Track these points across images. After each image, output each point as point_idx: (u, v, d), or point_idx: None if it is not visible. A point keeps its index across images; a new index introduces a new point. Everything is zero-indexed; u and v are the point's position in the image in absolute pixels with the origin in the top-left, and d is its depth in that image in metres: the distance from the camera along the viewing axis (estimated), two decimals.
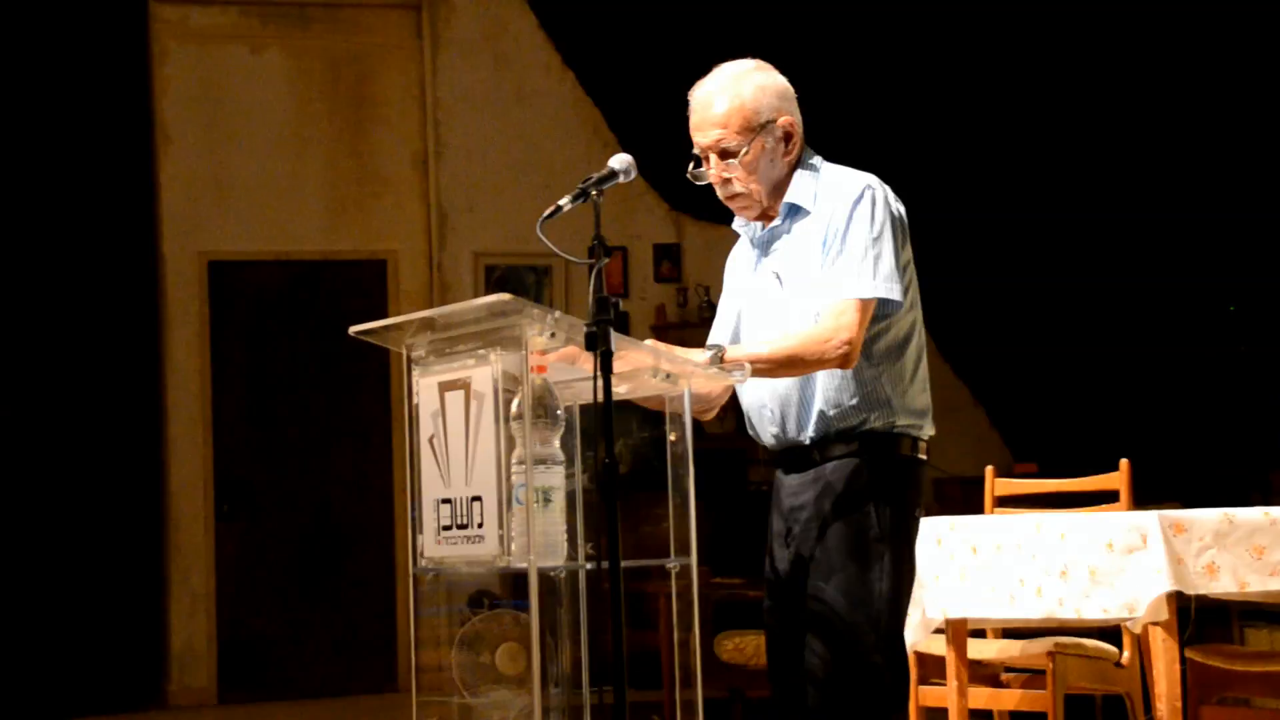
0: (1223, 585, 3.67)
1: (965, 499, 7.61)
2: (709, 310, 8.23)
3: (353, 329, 3.02)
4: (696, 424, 3.01)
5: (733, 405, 3.40)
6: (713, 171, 3.23)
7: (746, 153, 3.20)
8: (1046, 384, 9.21)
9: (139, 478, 8.55)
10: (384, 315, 3.04)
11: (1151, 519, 3.69)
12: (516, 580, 2.72)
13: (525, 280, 8.96)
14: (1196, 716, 4.28)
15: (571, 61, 9.06)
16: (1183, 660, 3.97)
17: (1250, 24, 8.28)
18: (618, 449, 2.72)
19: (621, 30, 8.89)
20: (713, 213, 3.40)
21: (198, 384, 8.62)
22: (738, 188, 3.23)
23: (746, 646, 6.31)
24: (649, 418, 3.06)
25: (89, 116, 8.49)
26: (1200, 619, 5.28)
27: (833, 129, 3.74)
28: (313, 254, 8.85)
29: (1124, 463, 4.66)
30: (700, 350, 3.08)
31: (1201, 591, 3.69)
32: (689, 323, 8.95)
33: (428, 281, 8.94)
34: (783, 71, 3.31)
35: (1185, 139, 8.77)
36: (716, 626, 6.63)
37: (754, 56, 3.32)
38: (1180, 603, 3.83)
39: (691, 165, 3.28)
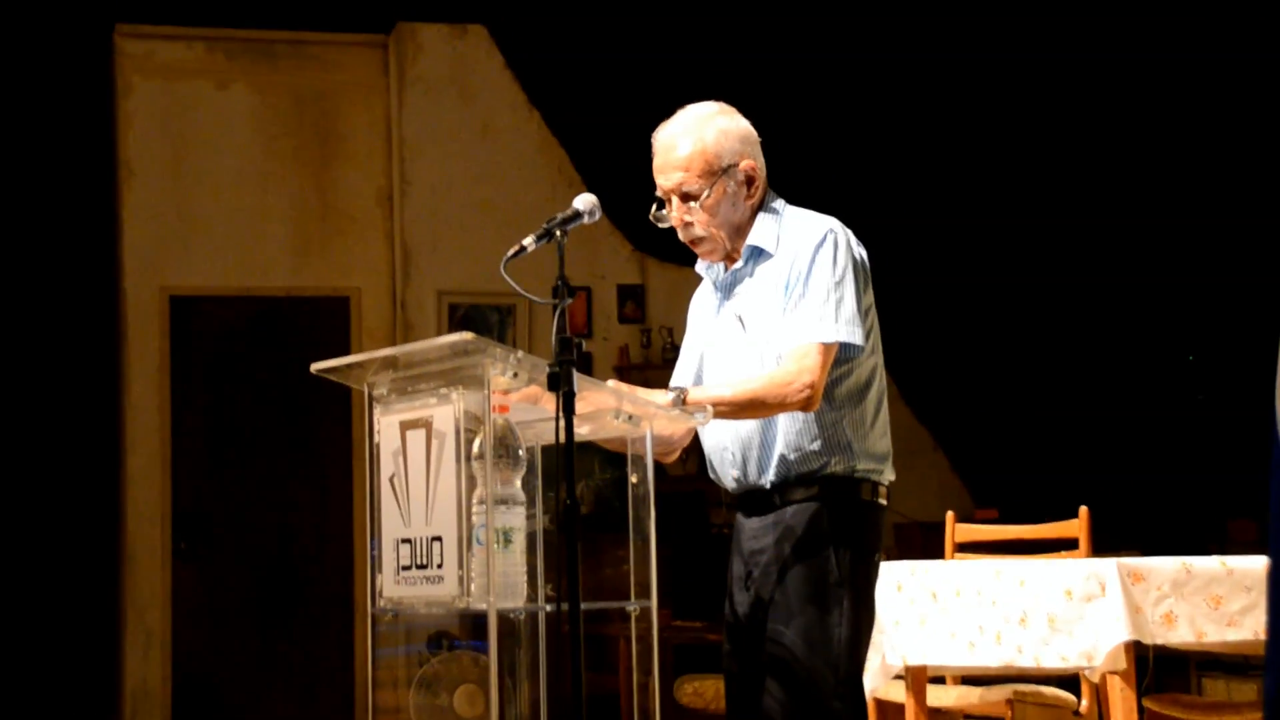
0: (1180, 635, 3.68)
1: (926, 544, 7.62)
2: (672, 352, 8.24)
3: (314, 366, 3.00)
4: (658, 466, 3.00)
5: (695, 447, 3.40)
6: (674, 214, 3.25)
7: (708, 196, 3.21)
8: (1008, 430, 9.25)
9: (96, 513, 8.47)
10: (346, 352, 3.02)
11: (1110, 567, 3.70)
12: (476, 621, 2.71)
13: (489, 319, 8.95)
14: None
15: (537, 101, 9.08)
16: (1140, 709, 3.97)
17: (1201, 92, 8.38)
18: (580, 490, 2.71)
19: (587, 71, 8.93)
20: (677, 254, 3.41)
21: (157, 419, 8.56)
22: (699, 231, 3.24)
23: (706, 690, 6.28)
24: (611, 459, 3.06)
25: (51, 149, 8.45)
26: (1159, 668, 5.29)
27: (796, 173, 3.76)
28: (276, 290, 8.81)
29: (1083, 510, 4.68)
30: (663, 392, 3.08)
31: (1159, 641, 3.70)
32: (652, 364, 8.95)
33: (391, 319, 8.91)
34: (747, 115, 3.33)
35: (1141, 194, 8.85)
36: (676, 670, 6.60)
37: (719, 99, 3.34)
38: (1139, 652, 3.83)
39: (654, 207, 3.29)
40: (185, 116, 8.72)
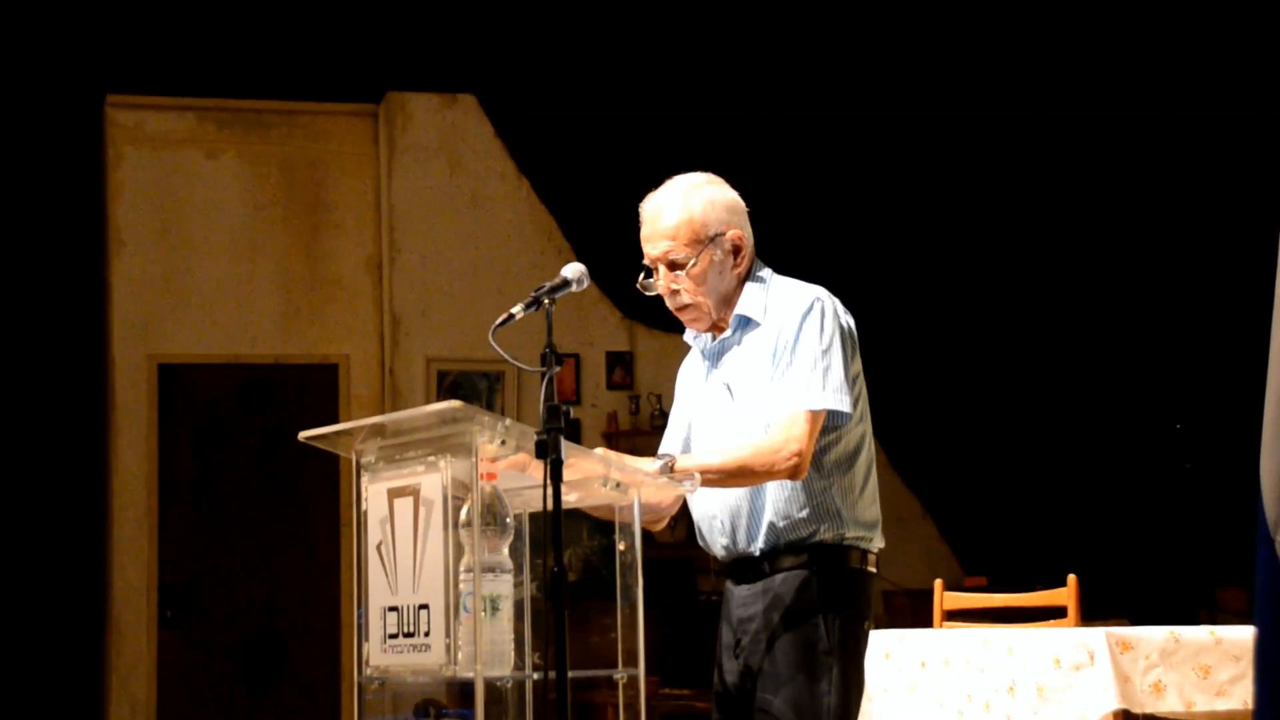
0: (1169, 704, 3.66)
1: (914, 611, 7.60)
2: (661, 418, 8.24)
3: (302, 434, 3.01)
4: (645, 533, 3.00)
5: (683, 514, 3.40)
6: (661, 283, 3.27)
7: (694, 265, 3.23)
8: (997, 498, 9.25)
9: (81, 581, 8.42)
10: (335, 420, 3.03)
11: (1099, 636, 3.69)
12: (463, 689, 2.70)
13: (478, 386, 8.95)
14: None
15: (527, 169, 9.13)
16: None
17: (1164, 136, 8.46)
18: (567, 557, 2.71)
19: (577, 140, 8.99)
20: (665, 322, 3.42)
21: (144, 487, 8.53)
22: (686, 299, 3.26)
23: None
24: (598, 526, 3.06)
25: (42, 218, 8.48)
26: None
27: (784, 237, 3.79)
28: (264, 357, 8.81)
29: (1072, 578, 4.67)
30: (651, 459, 3.09)
31: (1148, 710, 3.68)
32: (641, 430, 8.95)
33: (380, 387, 8.92)
34: (736, 181, 3.36)
35: (1130, 265, 8.91)
36: None
37: (707, 168, 3.37)
38: None
39: (642, 276, 3.31)
40: (175, 186, 8.76)
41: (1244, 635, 3.74)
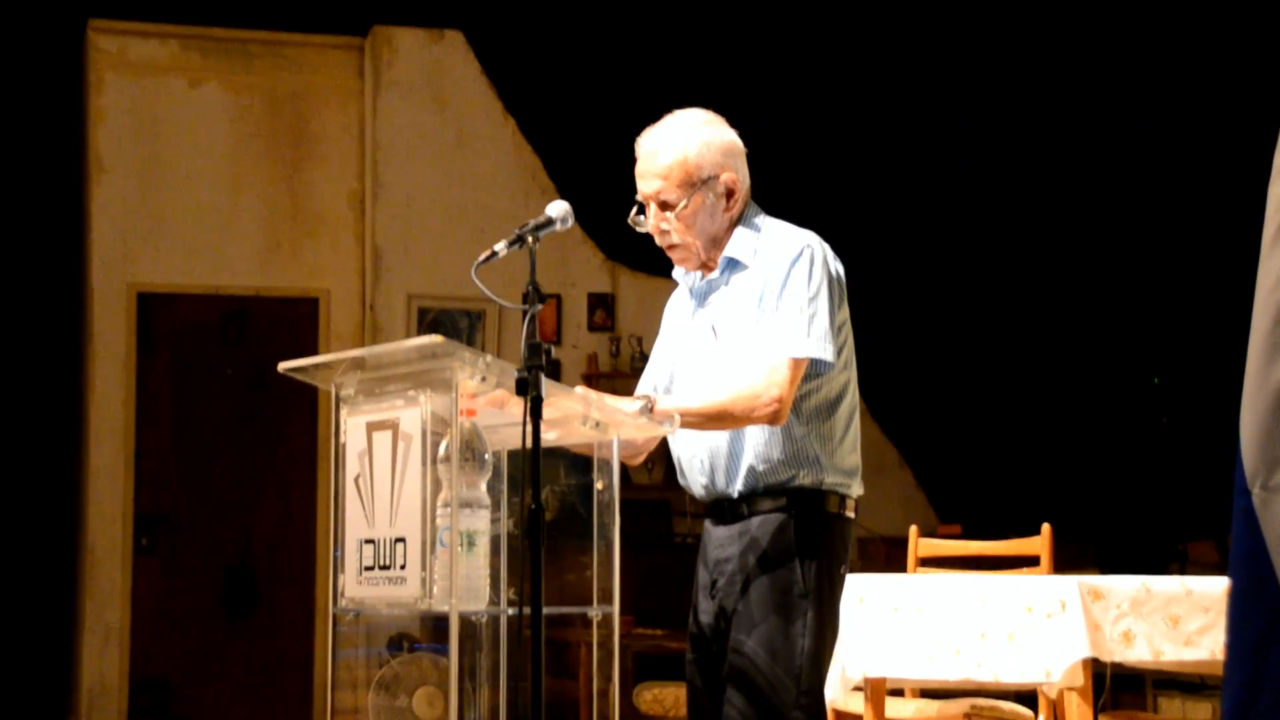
0: (1138, 653, 3.69)
1: (889, 558, 7.65)
2: (641, 361, 8.25)
3: (282, 366, 3.00)
4: (623, 472, 3.01)
5: (661, 456, 3.41)
6: (651, 221, 3.25)
7: (685, 206, 3.21)
8: (974, 448, 9.29)
9: (56, 509, 8.42)
10: (314, 353, 3.01)
11: (1071, 585, 3.71)
12: (437, 624, 2.71)
13: (458, 324, 8.94)
14: None
15: (512, 108, 9.08)
16: None
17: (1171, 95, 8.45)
18: (545, 495, 2.71)
19: (563, 78, 8.94)
20: (648, 264, 3.42)
21: (121, 416, 8.51)
22: (675, 239, 3.25)
23: (666, 698, 6.29)
24: (576, 465, 3.06)
25: (21, 143, 8.41)
26: (1115, 686, 5.31)
27: (773, 181, 3.77)
28: (245, 289, 8.78)
29: (1046, 528, 4.70)
30: (630, 400, 3.09)
31: (1117, 659, 3.71)
32: (621, 373, 8.96)
33: (360, 322, 8.90)
34: (734, 125, 3.33)
35: (1115, 211, 8.92)
36: (637, 677, 6.60)
37: (696, 107, 3.34)
38: (1096, 669, 3.85)
39: (634, 211, 3.29)
40: (157, 114, 8.69)
41: (1214, 587, 3.77)
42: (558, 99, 9.00)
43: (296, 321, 8.84)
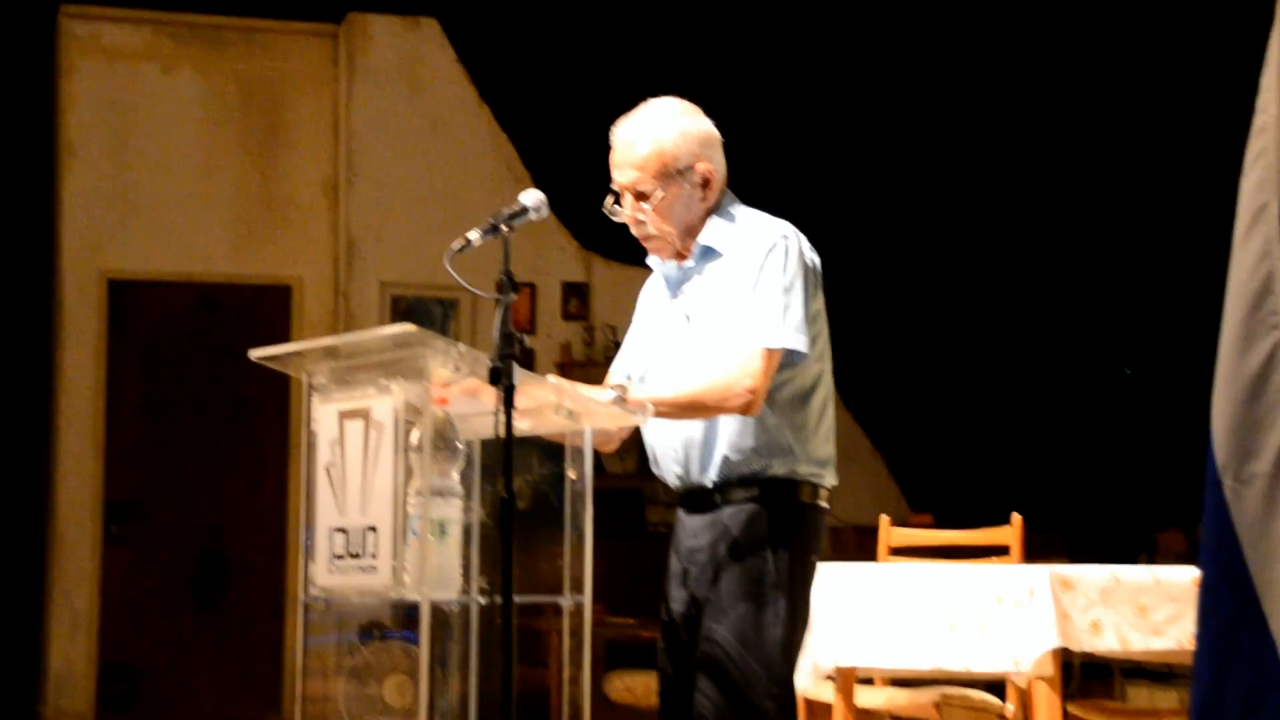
0: (1106, 642, 3.71)
1: (860, 547, 7.65)
2: (615, 350, 8.22)
3: (254, 353, 2.99)
4: (596, 461, 3.01)
5: (634, 445, 3.41)
6: (627, 211, 3.25)
7: (661, 197, 3.21)
8: (945, 437, 9.32)
9: (25, 495, 8.37)
10: (287, 342, 3.01)
11: (1041, 574, 3.73)
12: (408, 612, 2.71)
13: (432, 313, 8.92)
14: None
15: (488, 96, 9.05)
16: (1065, 715, 4.01)
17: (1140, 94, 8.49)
18: (517, 485, 2.71)
19: (539, 68, 8.92)
20: (623, 253, 3.42)
21: (91, 403, 8.47)
22: (650, 229, 3.25)
23: (636, 687, 6.30)
24: (549, 454, 3.06)
25: None
26: (1084, 675, 5.35)
27: (746, 171, 3.77)
28: (217, 277, 8.75)
29: (1016, 517, 4.72)
30: (603, 389, 3.09)
31: (1086, 648, 3.73)
32: (595, 362, 8.95)
33: (333, 310, 8.87)
34: (710, 114, 3.32)
35: (1083, 205, 8.95)
36: (608, 665, 6.61)
37: (673, 97, 3.33)
38: (1065, 658, 3.87)
39: (609, 200, 3.29)
40: (129, 100, 8.64)
41: (1182, 577, 3.79)
42: (533, 87, 8.98)
43: (269, 309, 8.81)
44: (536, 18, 8.81)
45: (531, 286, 9.08)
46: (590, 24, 8.75)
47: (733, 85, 8.57)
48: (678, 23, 8.74)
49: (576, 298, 9.26)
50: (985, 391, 9.33)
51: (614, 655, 6.81)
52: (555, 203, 3.04)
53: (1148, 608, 3.74)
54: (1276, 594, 1.79)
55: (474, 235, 2.86)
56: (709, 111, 3.35)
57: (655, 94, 3.36)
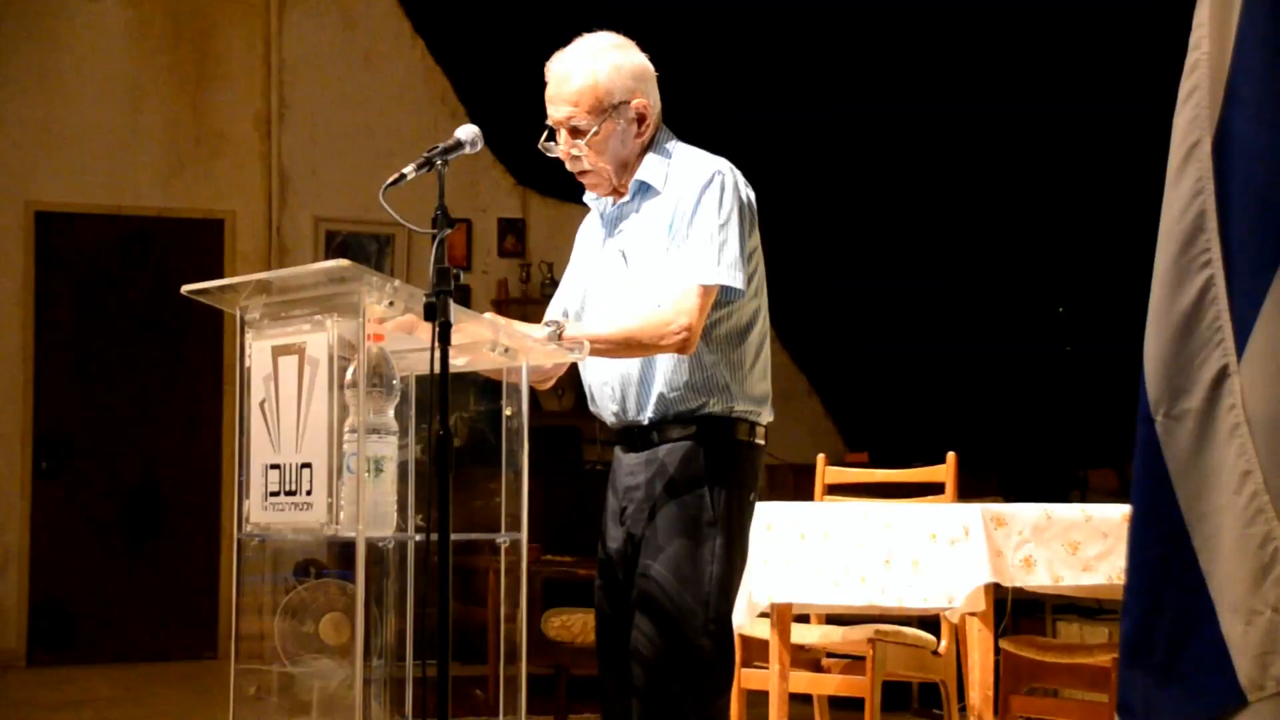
0: (1038, 579, 3.76)
1: (797, 486, 7.72)
2: (552, 287, 8.21)
3: (185, 288, 2.95)
4: (534, 400, 3.00)
5: (571, 383, 3.40)
6: (561, 147, 3.22)
7: (596, 133, 3.18)
8: (881, 377, 9.38)
9: None
10: (219, 276, 2.97)
11: (974, 512, 3.77)
12: (344, 549, 2.69)
13: (367, 248, 8.85)
14: (1007, 706, 4.39)
15: (422, 29, 8.95)
16: (997, 650, 4.06)
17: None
18: (454, 422, 2.69)
19: (474, 1, 8.82)
20: (559, 189, 3.39)
21: (20, 337, 8.36)
22: (585, 165, 3.22)
23: (573, 624, 6.32)
24: (486, 391, 3.05)
25: None
26: (1016, 611, 5.42)
27: (685, 108, 3.75)
28: (147, 210, 8.63)
29: (951, 456, 4.76)
30: (539, 326, 3.07)
31: (1018, 584, 3.78)
32: (531, 299, 8.93)
33: (266, 244, 8.78)
34: (645, 49, 3.29)
35: (1022, 144, 8.98)
36: (545, 604, 6.62)
37: (612, 30, 3.30)
38: (998, 595, 3.92)
39: (544, 136, 3.26)
40: (54, 27, 8.48)
41: (1113, 514, 3.84)
42: (468, 20, 8.88)
43: (201, 243, 8.70)
44: None
45: (467, 223, 9.03)
46: None
47: (673, 22, 8.52)
48: None
49: (513, 234, 9.21)
50: (921, 332, 9.39)
51: (551, 593, 6.83)
52: (491, 138, 3.01)
53: (1079, 544, 3.79)
54: (1206, 530, 1.81)
55: (408, 170, 2.83)
56: (648, 48, 3.32)
57: (594, 26, 3.33)
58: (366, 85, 8.90)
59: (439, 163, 2.82)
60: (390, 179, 2.82)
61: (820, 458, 5.19)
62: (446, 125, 8.24)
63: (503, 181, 9.13)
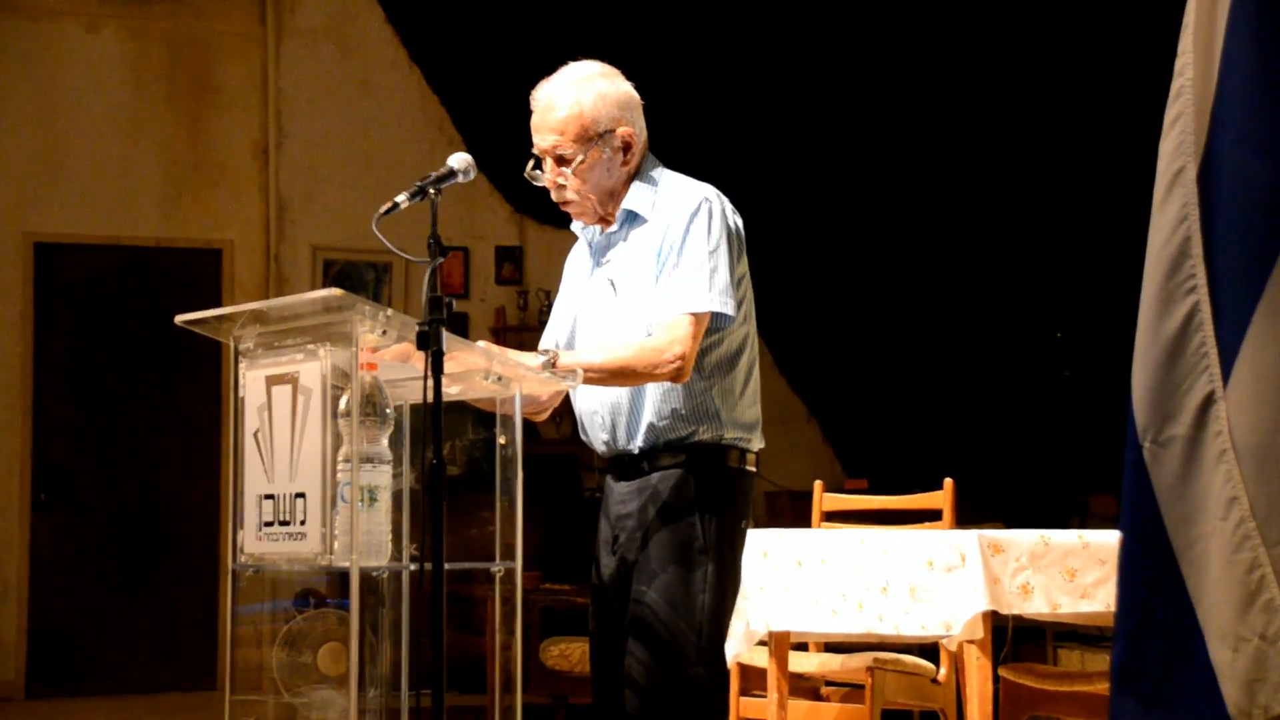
0: (1035, 606, 3.75)
1: (796, 512, 7.70)
2: (549, 314, 8.23)
3: (180, 318, 2.95)
4: (533, 428, 3.00)
5: (569, 412, 3.40)
6: (547, 175, 3.23)
7: (581, 161, 3.19)
8: (880, 403, 9.37)
9: None
10: (217, 305, 2.97)
11: (971, 539, 3.76)
12: (342, 579, 2.69)
13: (365, 277, 8.86)
14: None
15: (418, 58, 8.98)
16: (996, 678, 4.05)
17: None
18: (452, 451, 2.70)
19: (470, 29, 8.84)
20: (556, 217, 3.39)
21: (18, 368, 8.36)
22: (571, 193, 3.23)
23: (572, 653, 6.31)
24: (483, 420, 3.04)
25: None
26: (1017, 638, 5.41)
27: (678, 136, 3.76)
28: (145, 240, 8.64)
29: (948, 482, 4.75)
30: (533, 354, 3.07)
31: (1016, 611, 3.77)
32: (529, 326, 8.93)
33: (264, 273, 8.79)
34: (631, 77, 3.31)
35: (1022, 169, 8.99)
36: (545, 632, 6.61)
37: (603, 59, 3.31)
38: (998, 622, 3.91)
39: (530, 165, 3.27)
40: (54, 59, 8.51)
41: (1111, 539, 3.83)
42: (464, 48, 8.90)
43: (199, 273, 8.71)
44: None
45: (465, 251, 9.04)
46: None
47: (665, 48, 8.54)
48: None
49: (510, 262, 9.22)
50: (920, 357, 9.38)
51: (550, 622, 6.81)
52: (488, 166, 3.02)
53: (1077, 571, 3.78)
54: (1194, 555, 1.81)
55: (401, 198, 2.84)
56: (639, 75, 3.33)
57: (588, 54, 3.34)
58: (364, 114, 8.92)
59: (432, 191, 2.83)
60: (383, 208, 2.83)
61: (817, 485, 5.18)
62: (443, 153, 8.19)
63: (500, 209, 9.14)
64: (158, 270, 8.67)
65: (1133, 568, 1.86)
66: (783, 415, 9.16)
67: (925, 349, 9.41)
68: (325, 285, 8.54)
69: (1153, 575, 1.83)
